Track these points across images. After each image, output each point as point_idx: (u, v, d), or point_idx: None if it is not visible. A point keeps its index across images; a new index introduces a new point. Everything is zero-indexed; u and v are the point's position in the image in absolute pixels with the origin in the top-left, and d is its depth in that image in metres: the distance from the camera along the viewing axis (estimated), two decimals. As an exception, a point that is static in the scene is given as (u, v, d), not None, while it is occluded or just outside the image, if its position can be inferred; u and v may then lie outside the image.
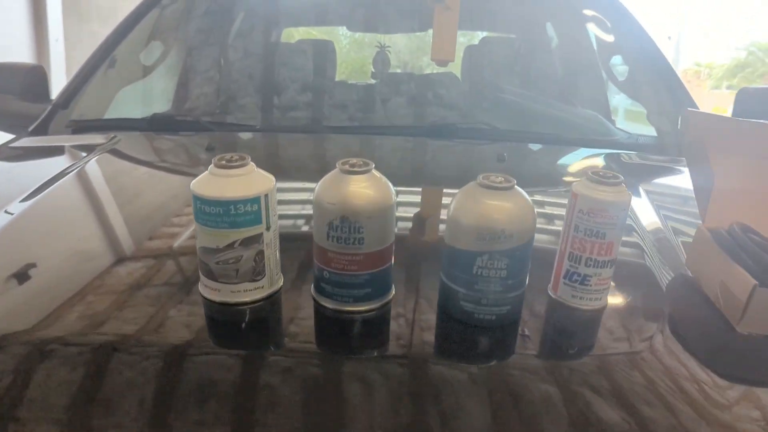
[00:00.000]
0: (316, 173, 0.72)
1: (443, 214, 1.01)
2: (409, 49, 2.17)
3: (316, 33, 2.48)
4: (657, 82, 1.70)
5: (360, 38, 2.36)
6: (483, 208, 0.64)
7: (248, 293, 0.71)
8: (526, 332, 0.68)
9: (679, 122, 1.56)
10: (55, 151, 1.42)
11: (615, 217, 0.68)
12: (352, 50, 2.45)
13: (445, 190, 1.18)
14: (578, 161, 1.44)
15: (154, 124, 1.51)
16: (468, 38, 2.17)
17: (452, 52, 1.78)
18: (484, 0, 1.93)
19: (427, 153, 1.45)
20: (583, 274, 0.71)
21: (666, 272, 0.84)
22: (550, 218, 0.98)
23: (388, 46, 1.91)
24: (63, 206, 1.04)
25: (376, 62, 1.90)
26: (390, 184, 0.69)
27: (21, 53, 4.69)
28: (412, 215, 1.03)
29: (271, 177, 0.72)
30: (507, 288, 0.66)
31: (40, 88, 1.76)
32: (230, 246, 0.68)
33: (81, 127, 1.53)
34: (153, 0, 1.86)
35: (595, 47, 1.89)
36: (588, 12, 1.92)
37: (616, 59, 1.90)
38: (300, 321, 0.70)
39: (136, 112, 1.58)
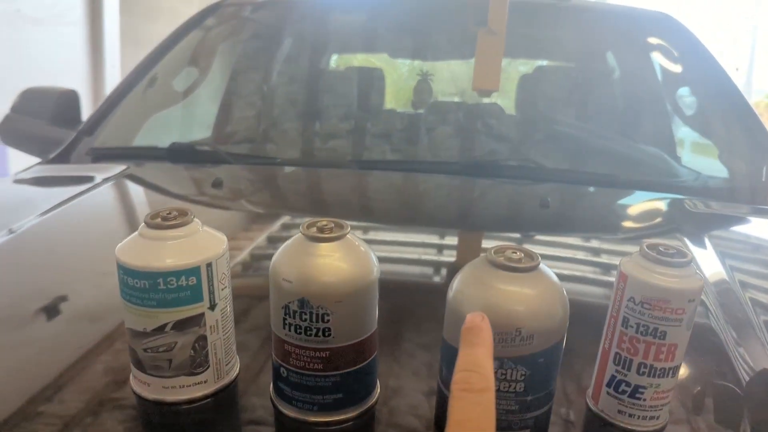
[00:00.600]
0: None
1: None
2: (456, 78, 2.00)
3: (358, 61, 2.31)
4: (729, 118, 1.48)
5: (407, 65, 2.19)
6: (493, 296, 0.46)
7: (185, 390, 0.54)
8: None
9: (765, 172, 1.34)
10: (59, 181, 1.32)
11: (680, 312, 0.49)
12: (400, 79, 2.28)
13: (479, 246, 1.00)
14: (636, 209, 1.23)
15: (173, 154, 1.39)
16: (522, 67, 1.98)
17: (497, 81, 1.60)
18: (539, 26, 1.74)
19: (458, 195, 1.27)
20: (633, 384, 0.52)
21: (746, 366, 0.64)
22: (600, 288, 0.79)
23: (431, 74, 1.75)
24: (26, 248, 0.91)
25: (417, 92, 1.74)
26: (371, 254, 0.52)
27: (77, 79, 4.73)
28: (415, 281, 0.85)
29: (222, 238, 0.55)
30: (525, 407, 0.48)
31: (72, 113, 1.68)
32: (160, 330, 0.52)
33: (100, 155, 1.42)
34: (192, 23, 1.76)
35: (660, 78, 1.68)
36: (653, 40, 1.72)
37: (684, 91, 1.69)
38: (252, 431, 0.53)
39: (164, 140, 1.47)
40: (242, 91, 1.72)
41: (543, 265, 0.48)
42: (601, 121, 1.57)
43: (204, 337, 0.53)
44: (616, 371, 0.53)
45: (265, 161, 1.37)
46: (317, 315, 0.49)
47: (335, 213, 1.10)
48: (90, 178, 1.23)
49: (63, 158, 1.44)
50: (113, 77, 5.17)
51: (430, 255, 0.94)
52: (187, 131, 1.70)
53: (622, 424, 0.53)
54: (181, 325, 0.52)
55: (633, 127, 1.58)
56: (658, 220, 1.17)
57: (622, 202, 1.25)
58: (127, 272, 0.51)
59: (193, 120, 1.77)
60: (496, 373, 0.46)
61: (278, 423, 0.54)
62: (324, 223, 0.51)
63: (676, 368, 0.52)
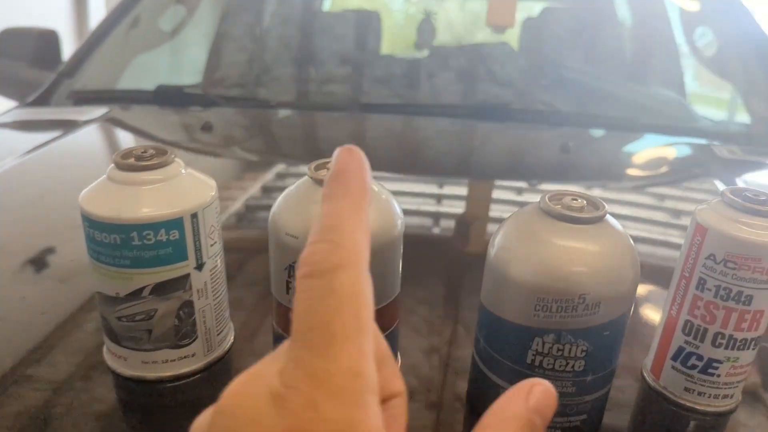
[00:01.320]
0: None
1: (489, 230, 0.75)
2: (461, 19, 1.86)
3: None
4: (752, 59, 1.37)
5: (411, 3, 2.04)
6: (549, 254, 0.37)
7: (169, 365, 0.45)
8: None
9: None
10: (38, 125, 1.20)
11: (774, 272, 0.40)
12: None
13: (491, 196, 0.91)
14: (662, 153, 1.14)
15: (160, 97, 1.27)
16: (527, 11, 1.85)
17: (512, 16, 1.49)
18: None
19: (474, 139, 1.17)
20: (707, 357, 0.43)
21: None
22: (653, 243, 0.70)
23: (435, 13, 1.62)
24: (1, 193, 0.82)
25: (420, 32, 1.61)
26: (394, 204, 0.42)
27: (59, 19, 4.51)
28: (425, 234, 0.76)
29: (210, 183, 0.46)
30: (583, 389, 0.39)
31: (51, 55, 1.57)
32: (136, 294, 0.43)
33: (82, 98, 1.30)
34: None
35: (674, 18, 1.56)
36: None
37: (703, 31, 1.57)
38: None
39: (150, 83, 1.35)
40: (233, 33, 1.59)
41: (610, 216, 0.39)
42: (613, 64, 1.46)
43: (190, 303, 0.44)
44: (686, 342, 0.44)
45: (258, 104, 1.26)
46: (329, 277, 0.39)
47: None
48: (71, 122, 1.13)
49: (42, 101, 1.33)
50: (98, 16, 4.94)
51: (435, 205, 0.85)
52: (175, 74, 1.58)
53: (689, 404, 0.45)
54: (161, 289, 0.43)
55: (647, 69, 1.48)
56: (689, 165, 1.09)
57: (645, 145, 1.15)
58: (93, 225, 0.42)
59: (180, 63, 1.64)
60: (551, 347, 0.38)
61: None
62: (336, 164, 0.42)
63: (759, 339, 0.43)
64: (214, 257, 0.45)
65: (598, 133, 1.17)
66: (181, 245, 0.42)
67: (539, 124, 1.16)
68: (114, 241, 0.41)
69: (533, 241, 0.38)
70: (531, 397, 0.22)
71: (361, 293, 0.19)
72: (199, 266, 0.44)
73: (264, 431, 0.17)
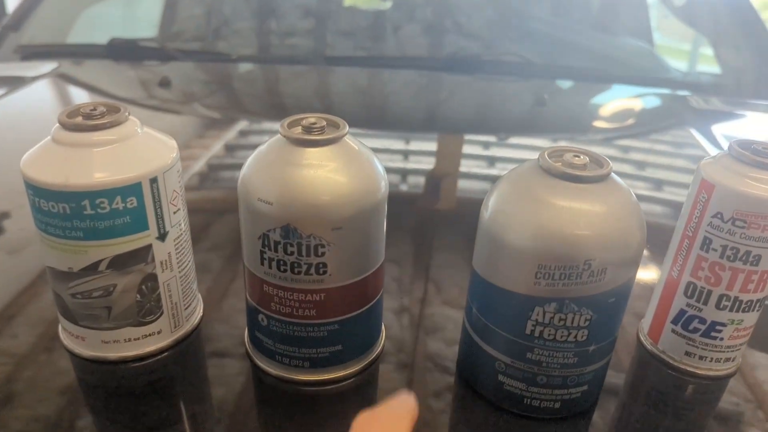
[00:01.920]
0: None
1: (474, 195, 0.71)
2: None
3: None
4: (722, 8, 1.35)
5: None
6: (551, 216, 0.34)
7: (132, 344, 0.41)
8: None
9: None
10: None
11: (784, 230, 0.38)
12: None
13: (462, 150, 0.87)
14: (638, 104, 1.11)
15: (113, 51, 1.19)
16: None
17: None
18: None
19: (442, 92, 1.12)
20: (710, 320, 0.41)
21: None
22: (648, 200, 0.68)
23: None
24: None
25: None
26: (377, 163, 0.38)
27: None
28: (417, 189, 0.73)
29: (170, 143, 0.41)
30: (585, 359, 0.37)
31: None
32: (92, 269, 0.38)
33: (30, 53, 1.21)
34: None
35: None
36: None
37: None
38: (223, 396, 0.41)
39: (102, 37, 1.26)
40: None
41: (614, 174, 0.35)
42: (581, 14, 1.42)
43: (153, 276, 0.40)
44: (688, 305, 0.42)
45: (218, 58, 1.19)
46: (308, 247, 0.36)
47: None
48: (18, 78, 1.05)
49: None
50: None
51: (402, 162, 0.81)
52: (129, 28, 1.49)
53: (689, 368, 0.43)
54: (120, 263, 0.38)
55: (614, 19, 1.44)
56: (667, 116, 1.07)
57: (617, 96, 1.13)
58: (39, 193, 0.37)
59: (134, 15, 1.55)
60: (552, 317, 0.35)
61: (257, 382, 0.41)
62: (312, 120, 0.37)
63: (763, 300, 0.41)
64: (178, 225, 0.41)
65: (567, 84, 1.14)
66: (141, 214, 0.38)
67: (508, 76, 1.12)
68: (63, 210, 0.36)
69: (532, 202, 0.34)
70: None
71: None
72: (162, 236, 0.39)
73: None
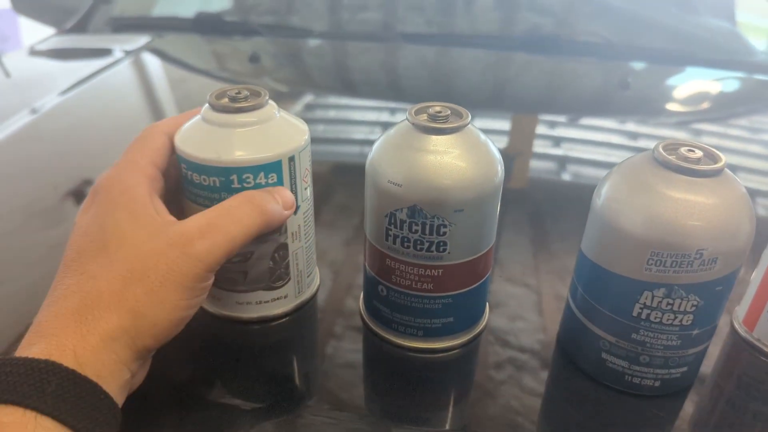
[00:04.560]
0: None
1: (540, 174, 0.73)
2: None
3: None
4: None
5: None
6: (666, 207, 0.36)
7: (261, 306, 0.46)
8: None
9: None
10: (78, 54, 1.19)
11: None
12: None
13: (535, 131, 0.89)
14: (732, 91, 1.09)
15: (198, 25, 1.24)
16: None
17: None
18: None
19: (511, 70, 1.13)
20: (809, 312, 0.43)
21: None
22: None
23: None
24: (49, 130, 0.82)
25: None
26: (494, 150, 0.41)
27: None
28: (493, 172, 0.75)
29: (302, 127, 0.45)
30: (688, 342, 0.39)
31: None
32: (233, 237, 0.43)
33: (121, 24, 1.28)
34: None
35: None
36: None
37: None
38: (339, 356, 0.45)
39: (186, 9, 1.31)
40: None
41: (728, 169, 0.37)
42: None
43: (285, 246, 0.44)
44: (787, 297, 0.43)
45: (296, 33, 1.21)
46: (431, 226, 0.39)
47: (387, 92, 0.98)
48: (110, 51, 1.12)
49: (80, 28, 1.31)
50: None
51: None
52: (206, 1, 1.54)
53: (785, 358, 0.45)
54: (258, 232, 0.43)
55: None
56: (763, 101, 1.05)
57: (709, 80, 1.11)
58: (192, 167, 0.41)
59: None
60: (660, 302, 0.37)
61: (372, 347, 0.45)
62: (438, 109, 0.41)
63: None
64: (307, 200, 0.45)
65: (651, 66, 1.13)
66: (279, 189, 0.42)
67: (584, 56, 1.12)
68: (213, 183, 0.41)
69: (647, 192, 0.37)
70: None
71: None
72: (295, 210, 0.43)
73: None
